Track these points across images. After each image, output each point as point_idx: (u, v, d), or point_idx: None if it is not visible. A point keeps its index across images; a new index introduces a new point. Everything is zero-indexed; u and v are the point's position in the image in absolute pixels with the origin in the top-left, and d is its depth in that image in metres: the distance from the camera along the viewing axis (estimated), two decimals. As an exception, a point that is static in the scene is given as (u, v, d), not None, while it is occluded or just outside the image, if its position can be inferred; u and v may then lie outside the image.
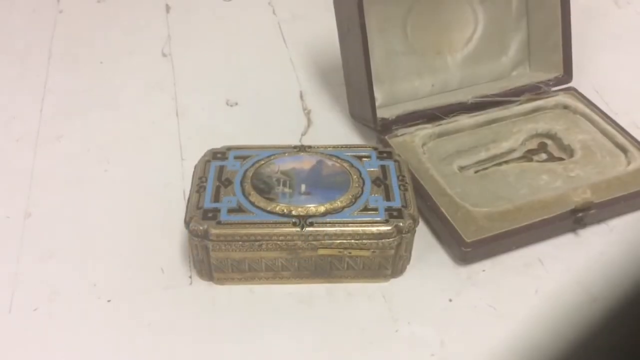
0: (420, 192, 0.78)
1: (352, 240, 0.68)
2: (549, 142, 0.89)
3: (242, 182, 0.72)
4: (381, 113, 0.87)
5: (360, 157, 0.76)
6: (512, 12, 0.95)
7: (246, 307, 0.70)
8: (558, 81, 0.94)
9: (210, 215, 0.68)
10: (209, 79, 1.04)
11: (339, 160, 0.75)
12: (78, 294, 0.71)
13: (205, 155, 0.76)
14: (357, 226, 0.68)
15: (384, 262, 0.70)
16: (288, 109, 0.98)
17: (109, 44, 1.11)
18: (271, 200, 0.70)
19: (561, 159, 0.86)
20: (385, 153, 0.77)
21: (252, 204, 0.69)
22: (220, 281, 0.72)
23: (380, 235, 0.68)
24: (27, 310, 0.70)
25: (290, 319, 0.69)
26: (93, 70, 1.05)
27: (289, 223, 0.68)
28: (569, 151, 0.86)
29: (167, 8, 1.20)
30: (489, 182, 0.82)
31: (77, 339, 0.67)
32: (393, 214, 0.69)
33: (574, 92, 0.94)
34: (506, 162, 0.85)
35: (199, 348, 0.66)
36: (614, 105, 0.97)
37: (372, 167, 0.75)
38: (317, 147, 0.77)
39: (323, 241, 0.68)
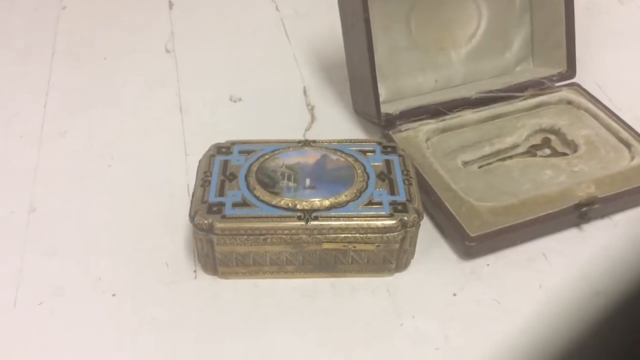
0: (425, 187, 0.78)
1: (357, 234, 0.68)
2: (552, 137, 0.89)
3: (246, 177, 0.72)
4: (385, 108, 0.87)
5: (364, 152, 0.76)
6: (516, 7, 0.95)
7: (251, 301, 0.70)
8: (561, 77, 0.94)
9: (215, 209, 0.68)
10: (212, 75, 1.04)
11: (343, 155, 0.75)
12: (82, 289, 0.71)
13: (209, 149, 0.76)
14: (361, 220, 0.68)
15: (389, 256, 0.71)
16: (291, 104, 0.98)
17: (112, 40, 1.11)
18: (276, 194, 0.70)
19: (565, 154, 0.86)
20: (389, 147, 0.77)
21: (257, 198, 0.70)
22: (224, 275, 0.72)
23: (384, 229, 0.68)
24: (31, 304, 0.70)
25: (294, 313, 0.69)
26: (96, 66, 1.05)
27: (294, 217, 0.68)
28: (573, 146, 0.86)
29: (170, 4, 1.20)
30: (493, 177, 0.82)
31: (82, 333, 0.67)
32: (397, 208, 0.69)
33: (577, 87, 0.94)
34: (510, 157, 0.85)
35: (204, 341, 0.67)
36: (617, 100, 0.97)
37: (376, 162, 0.75)
38: (322, 142, 0.77)
39: (327, 235, 0.68)
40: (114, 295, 0.71)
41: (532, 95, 0.92)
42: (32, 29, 1.13)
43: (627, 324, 0.47)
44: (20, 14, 1.16)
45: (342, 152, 0.75)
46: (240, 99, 0.99)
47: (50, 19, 1.15)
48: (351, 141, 0.78)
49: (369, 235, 0.68)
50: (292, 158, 0.74)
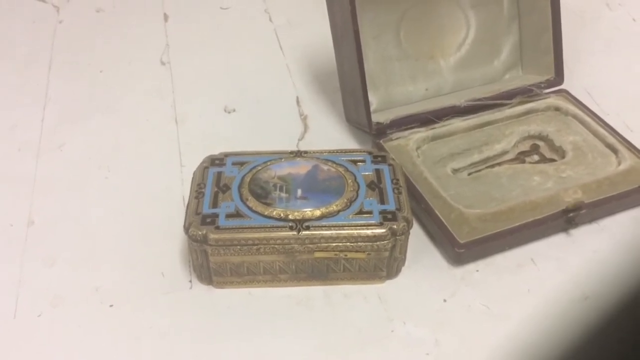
0: (415, 195, 0.79)
1: (348, 243, 0.70)
2: (541, 143, 0.90)
3: (239, 188, 0.73)
4: (376, 117, 0.89)
5: (355, 162, 0.77)
6: (504, 16, 0.97)
7: (245, 309, 0.72)
8: (550, 83, 0.96)
9: (208, 220, 0.70)
10: (207, 86, 1.05)
11: (334, 165, 0.76)
12: (81, 299, 0.73)
13: (203, 161, 0.78)
14: (352, 229, 0.70)
15: (379, 263, 0.72)
16: (285, 114, 0.99)
17: (108, 53, 1.12)
18: (268, 205, 0.71)
19: (553, 160, 0.87)
20: (379, 157, 0.79)
21: (250, 208, 0.71)
22: (219, 285, 0.73)
23: (374, 238, 0.70)
24: (31, 315, 0.71)
25: (288, 321, 0.71)
26: (93, 79, 1.07)
27: (286, 227, 0.69)
28: (561, 152, 0.88)
29: (166, 17, 1.22)
30: (482, 184, 0.83)
31: (81, 343, 0.69)
32: (387, 217, 0.71)
33: (565, 94, 0.96)
34: (499, 164, 0.87)
35: (200, 350, 0.68)
36: (605, 106, 0.98)
37: (366, 171, 0.76)
38: (313, 152, 0.79)
39: (319, 244, 0.70)
40: (111, 305, 0.72)
41: (521, 103, 0.93)
42: (29, 42, 1.15)
43: (615, 326, 0.48)
44: (18, 28, 1.18)
45: (333, 162, 0.77)
46: (234, 110, 1.00)
47: (48, 32, 1.17)
48: (342, 151, 0.79)
49: (359, 243, 0.70)
50: (284, 169, 0.76)
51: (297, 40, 1.14)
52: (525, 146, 0.90)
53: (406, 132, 0.88)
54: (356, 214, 0.71)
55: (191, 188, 0.74)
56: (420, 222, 0.80)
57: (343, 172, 0.75)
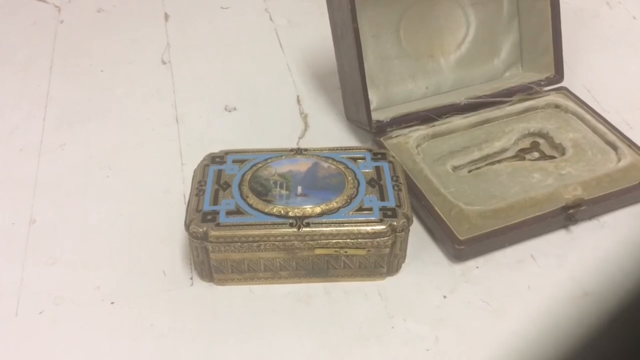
0: (415, 192, 0.80)
1: (348, 240, 0.70)
2: (541, 141, 0.90)
3: (240, 185, 0.74)
4: (376, 116, 0.89)
5: (355, 159, 0.78)
6: (503, 14, 0.97)
7: (246, 306, 0.72)
8: (550, 81, 0.96)
9: (209, 217, 0.70)
10: (207, 85, 1.06)
11: (334, 162, 0.77)
12: (82, 297, 0.73)
13: (204, 159, 0.78)
14: (352, 226, 0.70)
15: (380, 260, 0.72)
16: (285, 113, 1.00)
17: (109, 53, 1.13)
18: (268, 202, 0.72)
19: (553, 157, 0.87)
20: (379, 154, 0.79)
21: (250, 206, 0.71)
22: (220, 282, 0.74)
23: (375, 235, 0.70)
24: (32, 313, 0.72)
25: (289, 318, 0.71)
26: (94, 79, 1.07)
27: (286, 224, 0.70)
28: (561, 149, 0.88)
29: (166, 17, 1.22)
30: (482, 181, 0.83)
31: (82, 340, 0.69)
32: (387, 214, 0.71)
33: (565, 91, 0.96)
34: (499, 161, 0.87)
35: (201, 347, 0.68)
36: (605, 103, 0.98)
37: (366, 169, 0.76)
38: (313, 150, 0.79)
39: (319, 241, 0.70)
40: (112, 303, 0.73)
41: (520, 100, 0.93)
42: (30, 44, 1.15)
43: (615, 322, 0.49)
44: (19, 29, 1.18)
45: (333, 159, 0.77)
46: (235, 109, 1.01)
47: (49, 33, 1.17)
48: (342, 149, 0.80)
49: (359, 240, 0.70)
50: (284, 166, 0.76)
51: (297, 40, 1.14)
52: (525, 143, 0.90)
53: (406, 130, 0.89)
54: (356, 210, 0.71)
55: (192, 186, 0.75)
56: (421, 219, 0.80)
57: (343, 169, 0.76)
